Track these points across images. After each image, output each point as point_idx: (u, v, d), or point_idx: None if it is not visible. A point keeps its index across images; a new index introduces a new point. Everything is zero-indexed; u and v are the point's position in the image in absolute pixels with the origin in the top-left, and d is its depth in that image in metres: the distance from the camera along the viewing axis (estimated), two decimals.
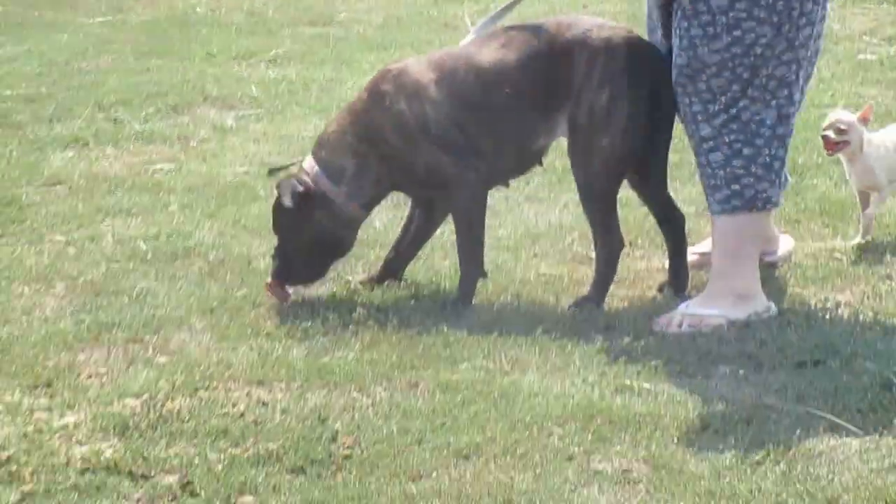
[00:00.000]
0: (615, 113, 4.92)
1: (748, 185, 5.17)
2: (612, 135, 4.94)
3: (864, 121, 4.85)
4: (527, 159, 5.18)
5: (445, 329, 4.67)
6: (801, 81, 5.06)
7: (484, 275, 5.17)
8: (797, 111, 5.13)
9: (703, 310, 5.07)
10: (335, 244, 5.23)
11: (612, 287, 4.73)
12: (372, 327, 4.74)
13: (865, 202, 4.86)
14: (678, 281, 5.05)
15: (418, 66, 5.20)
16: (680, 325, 4.90)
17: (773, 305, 5.01)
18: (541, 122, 5.03)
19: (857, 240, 4.93)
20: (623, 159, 4.93)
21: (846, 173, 4.96)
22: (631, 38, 5.07)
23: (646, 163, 5.03)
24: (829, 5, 5.17)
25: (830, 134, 4.80)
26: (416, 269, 5.48)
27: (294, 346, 4.58)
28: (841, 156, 4.97)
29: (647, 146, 5.00)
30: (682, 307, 5.05)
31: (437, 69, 5.12)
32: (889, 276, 4.75)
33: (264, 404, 4.16)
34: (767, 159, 5.12)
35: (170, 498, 3.71)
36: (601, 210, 4.99)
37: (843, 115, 4.90)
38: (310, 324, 4.60)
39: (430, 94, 5.01)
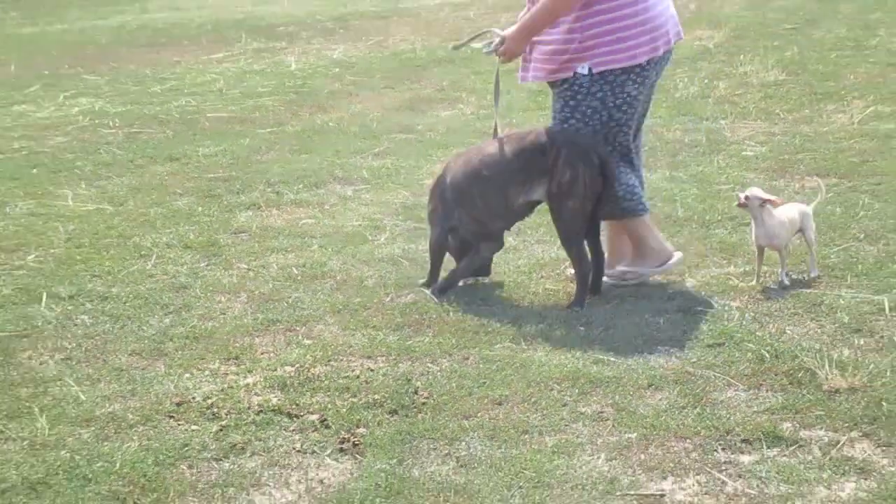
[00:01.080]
0: (575, 185, 4.77)
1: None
2: (574, 199, 4.82)
3: (773, 204, 4.72)
4: (517, 214, 5.12)
5: (486, 322, 4.56)
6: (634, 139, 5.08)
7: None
8: (638, 154, 5.20)
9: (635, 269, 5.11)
10: None
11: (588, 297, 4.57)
12: (439, 321, 4.51)
13: (761, 255, 4.75)
14: (596, 287, 4.93)
15: (455, 156, 5.19)
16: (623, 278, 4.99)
17: (680, 253, 5.12)
18: (522, 192, 4.94)
19: (753, 281, 4.88)
20: (583, 214, 4.83)
21: (752, 234, 4.82)
22: (582, 136, 4.90)
23: (593, 215, 4.87)
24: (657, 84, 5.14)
25: (741, 198, 4.74)
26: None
27: (390, 334, 4.45)
28: (752, 221, 4.80)
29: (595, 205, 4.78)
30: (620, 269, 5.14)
31: (463, 158, 5.16)
32: (765, 293, 4.67)
33: (371, 370, 4.09)
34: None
35: (312, 429, 3.72)
36: (574, 247, 4.86)
37: (753, 190, 4.85)
38: (399, 319, 4.51)
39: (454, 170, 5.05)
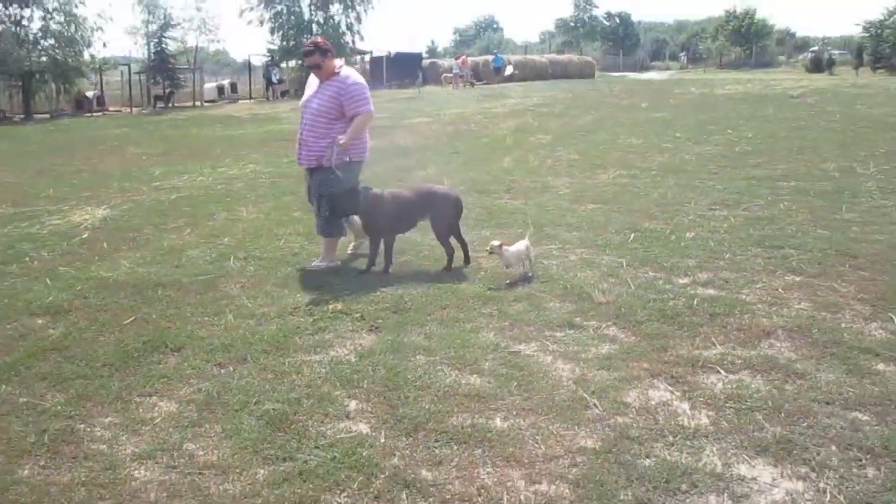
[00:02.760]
0: (444, 214, 6.23)
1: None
2: (443, 219, 6.24)
3: (501, 246, 5.80)
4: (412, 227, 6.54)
5: (437, 274, 6.08)
6: None
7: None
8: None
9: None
10: None
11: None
12: (418, 275, 6.17)
13: (510, 266, 5.85)
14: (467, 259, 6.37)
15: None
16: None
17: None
18: (419, 216, 6.32)
19: (514, 273, 5.93)
20: (451, 226, 6.28)
21: (504, 261, 5.90)
22: (447, 190, 6.59)
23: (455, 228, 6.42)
24: None
25: (495, 244, 5.87)
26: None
27: (395, 281, 6.06)
28: (500, 258, 5.93)
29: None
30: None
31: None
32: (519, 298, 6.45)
33: (383, 292, 5.60)
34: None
35: (356, 321, 5.16)
36: (446, 244, 6.23)
37: (493, 243, 5.85)
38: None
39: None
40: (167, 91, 36.67)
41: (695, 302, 5.25)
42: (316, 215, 6.51)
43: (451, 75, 40.77)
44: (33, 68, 30.50)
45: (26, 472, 3.46)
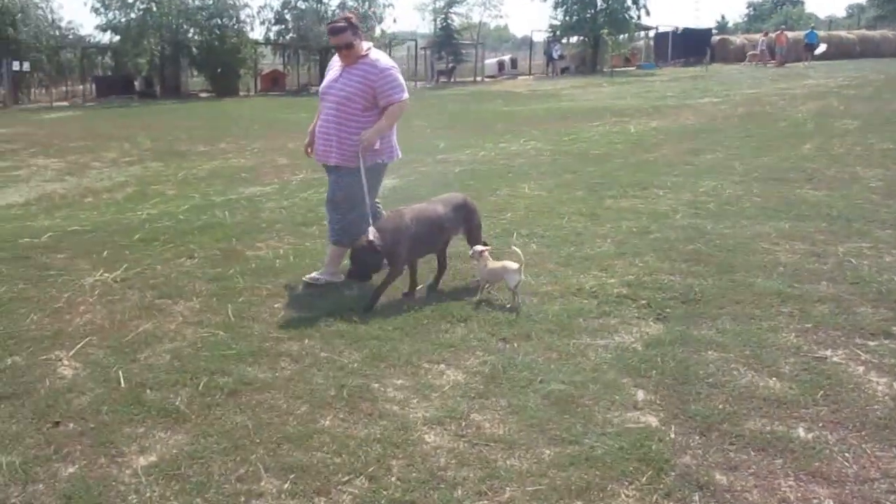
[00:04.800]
0: (478, 219, 5.81)
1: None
2: (475, 228, 5.76)
3: (482, 253, 5.34)
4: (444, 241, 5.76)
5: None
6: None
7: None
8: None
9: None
10: None
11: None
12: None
13: (483, 285, 5.35)
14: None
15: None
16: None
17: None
18: (453, 230, 5.70)
19: (480, 294, 5.36)
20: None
21: (480, 273, 5.44)
22: (467, 199, 5.85)
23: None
24: None
25: (477, 250, 5.42)
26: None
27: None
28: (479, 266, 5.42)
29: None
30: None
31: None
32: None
33: (672, 280, 5.52)
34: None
35: (643, 308, 5.11)
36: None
37: (477, 247, 5.42)
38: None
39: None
40: (450, 66, 38.32)
41: None
42: (329, 221, 6.00)
43: (756, 52, 38.87)
44: (328, 44, 32.94)
45: (327, 422, 3.73)
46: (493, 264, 5.36)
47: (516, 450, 3.45)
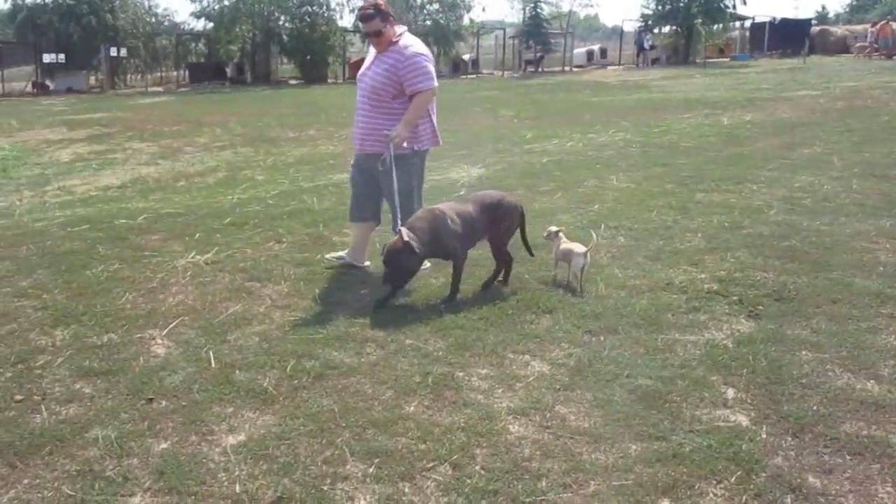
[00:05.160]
0: (508, 223, 5.43)
1: None
2: (508, 229, 5.45)
3: (557, 233, 5.46)
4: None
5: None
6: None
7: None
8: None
9: None
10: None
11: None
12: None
13: (557, 264, 5.42)
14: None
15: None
16: None
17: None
18: (484, 231, 5.36)
19: (554, 272, 5.50)
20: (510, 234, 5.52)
21: (553, 253, 5.50)
22: (510, 197, 5.58)
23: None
24: None
25: (552, 230, 5.56)
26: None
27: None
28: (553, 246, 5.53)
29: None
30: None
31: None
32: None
33: (756, 278, 5.37)
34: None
35: (734, 304, 5.00)
36: (505, 252, 5.46)
37: (552, 228, 5.57)
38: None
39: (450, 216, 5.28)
40: (538, 55, 38.15)
41: None
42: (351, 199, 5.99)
43: (865, 44, 37.01)
44: (417, 32, 33.43)
45: (412, 409, 3.76)
46: (565, 244, 5.44)
47: (602, 444, 3.43)
